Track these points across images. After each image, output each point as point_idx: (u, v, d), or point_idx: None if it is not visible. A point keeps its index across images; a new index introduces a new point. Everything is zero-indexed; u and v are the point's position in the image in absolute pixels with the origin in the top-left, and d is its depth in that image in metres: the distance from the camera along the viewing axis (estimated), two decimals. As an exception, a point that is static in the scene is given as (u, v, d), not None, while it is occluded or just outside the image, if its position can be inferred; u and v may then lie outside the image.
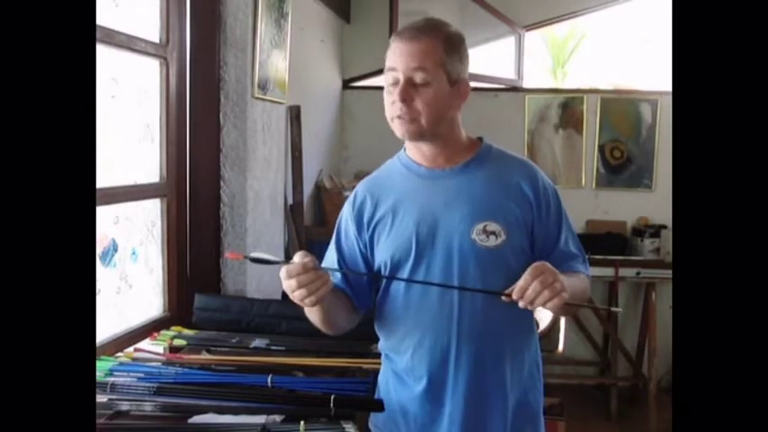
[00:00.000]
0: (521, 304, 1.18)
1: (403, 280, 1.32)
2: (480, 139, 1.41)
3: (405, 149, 1.40)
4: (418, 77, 1.26)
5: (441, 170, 1.35)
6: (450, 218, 1.30)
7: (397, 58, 1.27)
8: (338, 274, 1.38)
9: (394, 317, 1.36)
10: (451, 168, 1.35)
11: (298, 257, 1.19)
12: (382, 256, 1.35)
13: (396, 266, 1.33)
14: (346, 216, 1.41)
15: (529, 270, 1.18)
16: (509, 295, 1.19)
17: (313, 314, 1.31)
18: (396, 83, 1.28)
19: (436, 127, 1.29)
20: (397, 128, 1.30)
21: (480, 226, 1.29)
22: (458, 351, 1.31)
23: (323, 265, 1.39)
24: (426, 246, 1.30)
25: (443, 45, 1.28)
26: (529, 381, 1.39)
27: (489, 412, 1.33)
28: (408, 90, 1.26)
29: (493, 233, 1.29)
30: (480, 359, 1.31)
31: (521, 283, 1.18)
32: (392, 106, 1.29)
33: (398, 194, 1.35)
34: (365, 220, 1.37)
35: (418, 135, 1.30)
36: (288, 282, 1.18)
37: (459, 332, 1.30)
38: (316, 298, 1.19)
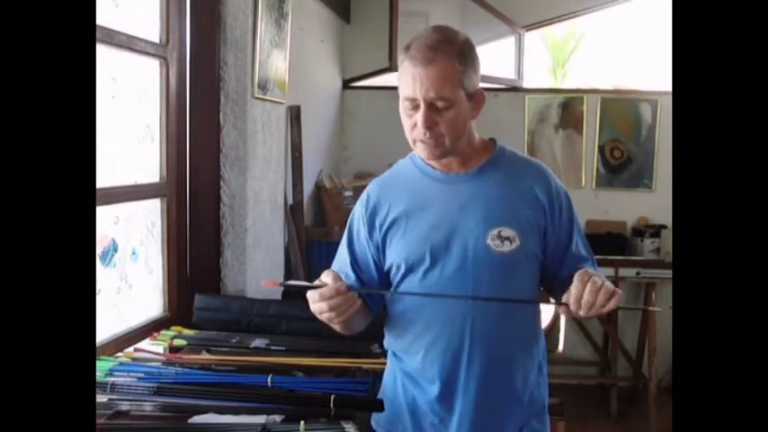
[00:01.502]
0: (581, 313, 1.16)
1: (446, 296, 1.28)
2: (493, 140, 1.40)
3: None
4: (440, 103, 1.23)
5: (455, 174, 1.34)
6: (465, 223, 1.29)
7: (417, 86, 1.23)
8: (352, 275, 1.37)
9: (406, 318, 1.36)
10: (466, 172, 1.34)
11: (329, 280, 1.19)
12: (395, 258, 1.34)
13: (409, 269, 1.32)
14: (358, 216, 1.40)
15: (576, 277, 1.17)
16: (566, 305, 1.17)
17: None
18: (416, 107, 1.25)
19: (458, 143, 1.29)
20: (421, 151, 1.30)
21: (495, 231, 1.28)
22: (470, 354, 1.30)
23: (334, 263, 1.40)
24: (441, 250, 1.29)
25: (458, 60, 1.24)
26: (535, 379, 1.39)
27: (501, 414, 1.33)
28: (431, 116, 1.24)
29: (507, 239, 1.28)
30: (492, 362, 1.31)
31: (573, 291, 1.16)
32: (414, 130, 1.27)
33: (412, 197, 1.34)
34: (378, 222, 1.36)
35: (443, 156, 1.30)
36: (318, 304, 1.18)
37: (471, 335, 1.30)
38: (344, 318, 1.20)
